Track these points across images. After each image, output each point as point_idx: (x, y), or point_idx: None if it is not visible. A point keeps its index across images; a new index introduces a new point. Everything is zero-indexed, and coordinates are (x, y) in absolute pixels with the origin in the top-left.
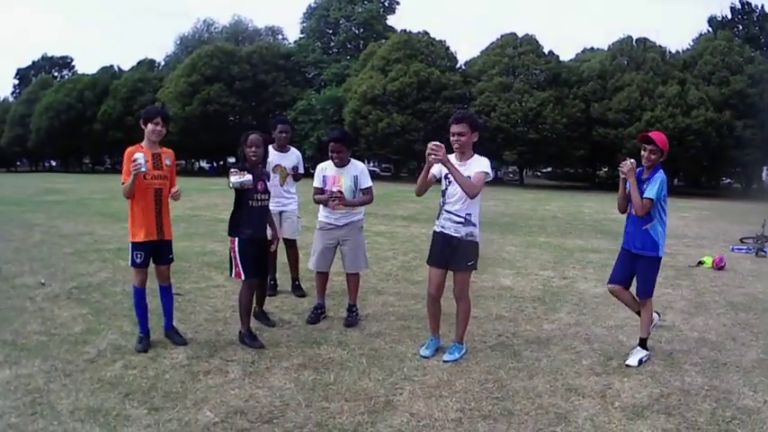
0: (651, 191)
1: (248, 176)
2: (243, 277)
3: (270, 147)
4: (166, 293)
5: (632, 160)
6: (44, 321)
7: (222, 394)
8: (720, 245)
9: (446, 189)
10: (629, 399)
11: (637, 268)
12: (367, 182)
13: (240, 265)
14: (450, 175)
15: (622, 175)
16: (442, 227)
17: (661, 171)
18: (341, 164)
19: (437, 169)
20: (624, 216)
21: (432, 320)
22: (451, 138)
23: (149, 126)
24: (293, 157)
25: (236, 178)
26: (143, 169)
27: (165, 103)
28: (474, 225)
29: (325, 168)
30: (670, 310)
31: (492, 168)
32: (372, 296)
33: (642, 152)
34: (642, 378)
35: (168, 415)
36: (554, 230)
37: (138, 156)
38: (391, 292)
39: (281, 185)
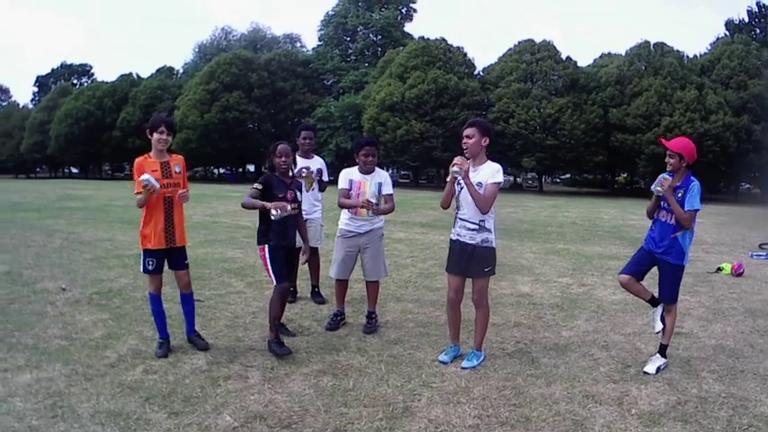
0: (693, 202)
1: (288, 207)
2: (274, 282)
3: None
4: (188, 301)
5: (666, 176)
6: (65, 326)
7: (242, 399)
8: (739, 251)
9: (458, 196)
10: (646, 406)
11: (660, 274)
12: (389, 189)
13: (271, 270)
14: (461, 181)
15: (659, 193)
16: (458, 235)
17: (694, 179)
18: (369, 170)
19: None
20: (647, 220)
21: (451, 327)
22: (462, 141)
23: (155, 136)
24: (317, 164)
25: (276, 213)
26: (156, 186)
27: (170, 111)
28: (489, 231)
29: (351, 173)
30: (688, 317)
31: (505, 173)
32: (391, 303)
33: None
34: (659, 385)
35: (188, 419)
36: (573, 237)
37: (144, 177)
38: (410, 299)
39: (308, 191)
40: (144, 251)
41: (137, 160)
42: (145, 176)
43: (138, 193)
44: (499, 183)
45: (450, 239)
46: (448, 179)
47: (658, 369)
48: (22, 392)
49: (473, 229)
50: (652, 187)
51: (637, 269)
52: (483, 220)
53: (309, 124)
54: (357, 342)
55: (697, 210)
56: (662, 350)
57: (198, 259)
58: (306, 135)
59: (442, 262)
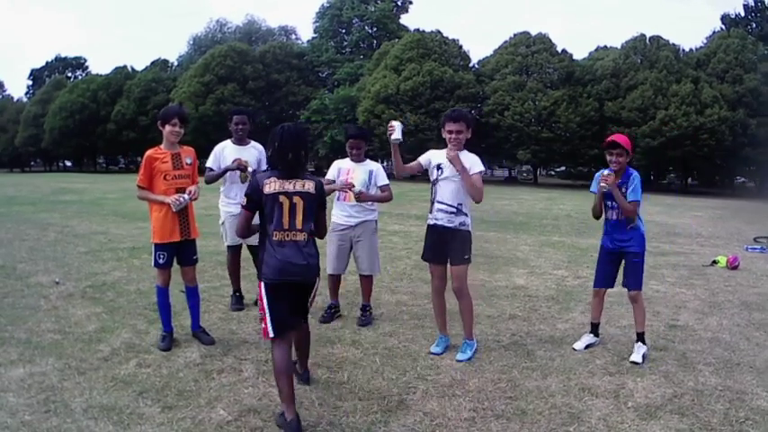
0: (635, 193)
1: (185, 196)
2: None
3: (228, 141)
4: (193, 294)
5: (608, 171)
6: (58, 320)
7: (236, 393)
8: (734, 244)
9: (437, 180)
10: (642, 399)
11: (627, 264)
12: (384, 180)
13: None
14: (442, 167)
15: (605, 189)
16: (436, 219)
17: (633, 171)
18: (358, 160)
19: (425, 160)
20: (595, 221)
21: (438, 317)
22: (449, 135)
23: (167, 128)
24: (254, 152)
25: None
26: (176, 208)
27: (182, 102)
28: (466, 215)
29: (341, 163)
30: (684, 310)
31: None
32: (386, 295)
33: (609, 157)
34: (655, 378)
35: (181, 413)
36: (568, 230)
37: (185, 198)
38: (405, 291)
39: (242, 183)
40: (155, 244)
41: (147, 153)
42: (186, 196)
43: (140, 186)
44: (482, 171)
45: (428, 225)
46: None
47: (644, 357)
48: (15, 387)
49: (451, 213)
50: (594, 188)
51: (607, 278)
52: (461, 204)
53: (243, 108)
54: (351, 335)
55: (638, 201)
56: (640, 337)
57: None
58: (238, 120)
59: None
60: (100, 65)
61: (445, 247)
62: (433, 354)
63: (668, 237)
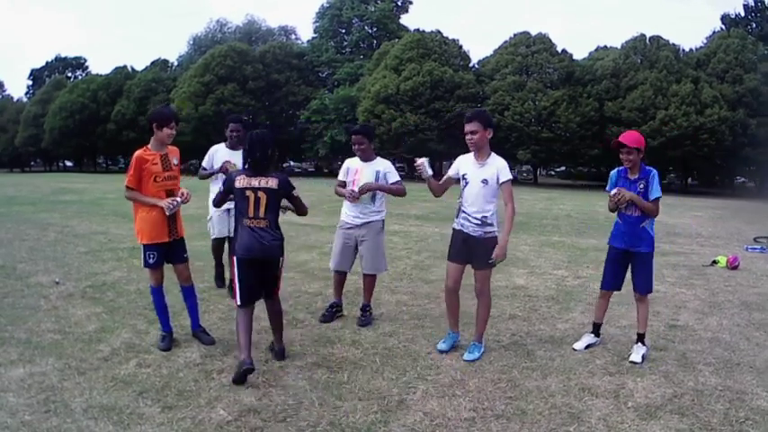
0: (656, 190)
1: (177, 200)
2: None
3: (222, 144)
4: (190, 294)
5: (616, 191)
6: (58, 320)
7: (236, 393)
8: (734, 244)
9: (463, 190)
10: (642, 399)
11: (635, 265)
12: (395, 177)
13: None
14: (467, 176)
15: (622, 205)
16: (461, 225)
17: (651, 169)
18: (365, 157)
19: (454, 171)
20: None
21: (450, 315)
22: (466, 137)
23: (165, 130)
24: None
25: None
26: (169, 212)
27: (170, 102)
28: (491, 224)
29: (351, 162)
30: (684, 310)
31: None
32: (386, 295)
33: (621, 156)
34: (655, 378)
35: (181, 413)
36: (568, 230)
37: (177, 201)
38: (405, 292)
39: None
40: (144, 245)
41: (137, 153)
42: (178, 200)
43: (128, 186)
44: (511, 179)
45: (453, 228)
46: (423, 176)
47: (643, 357)
48: (15, 387)
49: (476, 224)
50: (609, 188)
51: (616, 279)
52: (485, 216)
53: (238, 116)
54: (351, 335)
55: (660, 197)
56: (641, 338)
57: (192, 251)
58: (233, 128)
59: (437, 254)
60: (100, 65)
61: (469, 251)
62: (439, 350)
63: (668, 237)
